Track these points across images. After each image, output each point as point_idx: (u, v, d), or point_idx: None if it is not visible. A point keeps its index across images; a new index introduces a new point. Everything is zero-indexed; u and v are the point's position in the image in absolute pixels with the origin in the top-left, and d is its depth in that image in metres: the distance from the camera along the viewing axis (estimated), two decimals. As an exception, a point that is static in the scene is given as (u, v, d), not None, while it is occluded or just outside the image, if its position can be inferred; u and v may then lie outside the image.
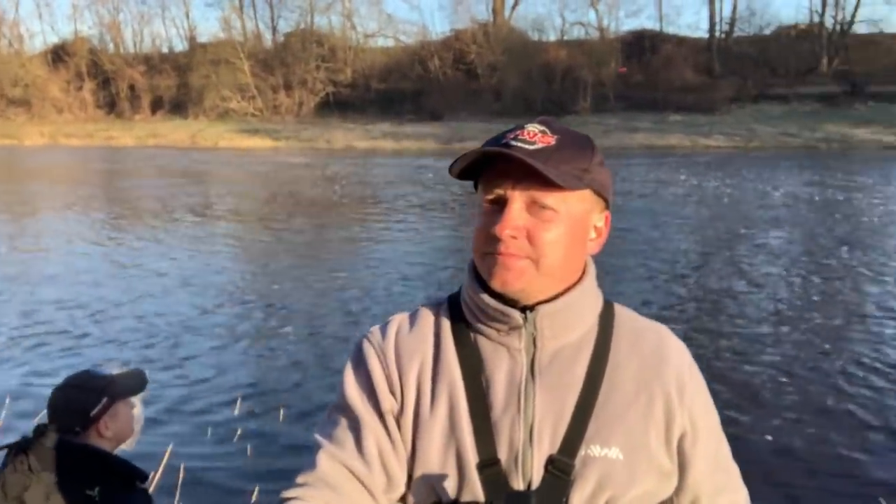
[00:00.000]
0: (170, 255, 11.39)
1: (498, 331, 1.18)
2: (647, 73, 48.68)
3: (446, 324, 1.23)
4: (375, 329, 1.26)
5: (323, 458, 1.15)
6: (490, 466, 1.12)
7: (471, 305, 1.21)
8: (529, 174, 1.09)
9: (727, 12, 54.12)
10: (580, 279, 1.20)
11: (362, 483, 1.13)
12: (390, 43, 59.69)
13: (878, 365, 6.13)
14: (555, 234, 1.12)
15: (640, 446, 1.14)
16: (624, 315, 1.26)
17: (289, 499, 1.12)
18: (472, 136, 41.79)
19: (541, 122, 1.16)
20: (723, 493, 1.23)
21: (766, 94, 44.21)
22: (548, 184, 1.08)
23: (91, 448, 2.05)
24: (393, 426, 1.17)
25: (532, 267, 1.12)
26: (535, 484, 1.12)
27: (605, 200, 1.20)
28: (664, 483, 1.17)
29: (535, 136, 1.12)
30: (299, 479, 1.14)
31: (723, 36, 53.33)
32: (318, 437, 1.19)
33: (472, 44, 52.52)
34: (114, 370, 2.20)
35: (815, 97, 42.30)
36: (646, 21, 66.39)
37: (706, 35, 53.87)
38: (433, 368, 1.19)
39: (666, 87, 45.26)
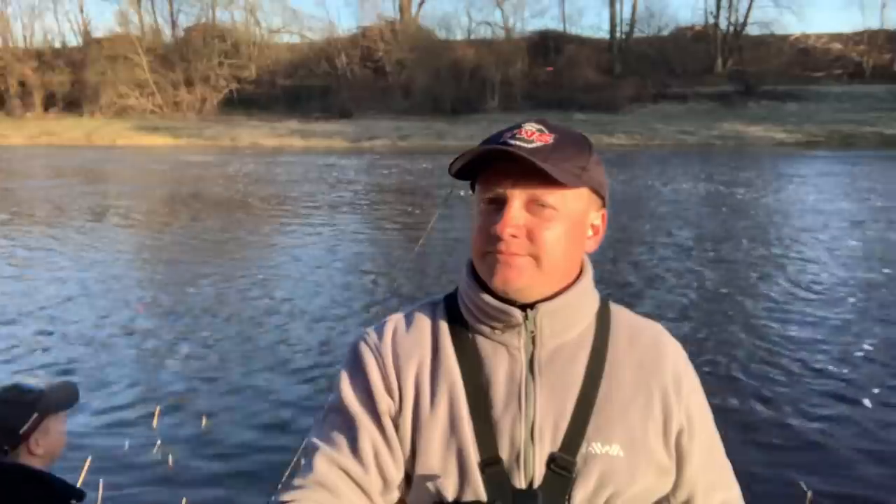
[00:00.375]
0: (66, 260, 10.79)
1: (497, 330, 1.18)
2: (552, 73, 49.65)
3: (444, 323, 1.23)
4: (371, 330, 1.26)
5: (319, 461, 1.14)
6: (492, 465, 1.12)
7: (469, 305, 1.20)
8: (529, 173, 1.09)
9: (627, 14, 55.80)
10: (578, 277, 1.20)
11: (359, 485, 1.13)
12: (296, 39, 58.94)
13: (767, 356, 6.34)
14: (555, 233, 1.12)
15: (640, 443, 1.14)
16: (620, 313, 1.27)
17: (285, 502, 1.11)
18: (383, 133, 41.70)
19: (538, 122, 1.16)
20: (717, 489, 1.24)
21: (665, 93, 45.80)
22: (547, 182, 1.09)
23: (23, 468, 1.89)
24: (390, 428, 1.16)
25: (533, 265, 1.12)
26: (537, 482, 1.12)
27: (602, 199, 1.21)
28: (663, 479, 1.18)
29: (532, 134, 1.12)
30: (296, 482, 1.13)
31: (623, 37, 54.95)
32: (314, 439, 1.18)
33: (380, 41, 52.38)
34: (42, 383, 2.03)
35: (712, 96, 44.11)
36: (550, 21, 68.23)
37: (608, 36, 55.43)
38: (432, 368, 1.19)
39: (570, 87, 46.29)
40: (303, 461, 1.17)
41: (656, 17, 55.38)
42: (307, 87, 51.58)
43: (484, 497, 1.11)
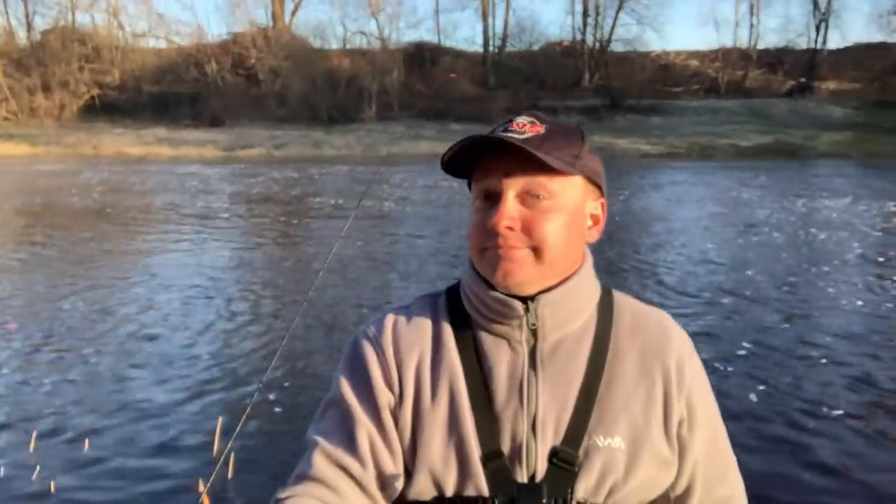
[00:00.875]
0: None
1: (499, 323, 1.17)
2: (428, 84, 50.02)
3: (445, 317, 1.23)
4: (371, 323, 1.25)
5: (317, 457, 1.13)
6: (493, 459, 1.12)
7: (472, 298, 1.20)
8: (523, 164, 1.10)
9: (499, 28, 57.03)
10: (579, 268, 1.20)
11: (357, 480, 1.12)
12: (162, 44, 56.61)
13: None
14: (553, 223, 1.12)
15: (642, 435, 1.14)
16: (624, 302, 1.26)
17: (283, 498, 1.10)
18: (257, 142, 40.65)
19: (529, 115, 1.18)
20: (720, 484, 1.23)
21: (537, 105, 46.89)
22: (542, 172, 1.11)
23: None
24: (388, 422, 1.15)
25: (532, 257, 1.13)
26: (540, 475, 1.11)
27: (599, 188, 1.22)
28: (665, 471, 1.17)
29: (524, 126, 1.14)
30: (294, 478, 1.13)
31: (496, 51, 56.12)
32: (312, 434, 1.17)
33: (253, 48, 51.09)
34: None
35: (581, 110, 45.60)
36: (425, 33, 68.85)
37: (482, 49, 56.43)
38: (433, 362, 1.18)
39: (447, 98, 46.76)
40: (303, 457, 1.16)
41: (528, 32, 56.90)
42: (176, 93, 49.56)
43: (486, 491, 1.11)
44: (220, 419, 4.86)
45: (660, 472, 1.16)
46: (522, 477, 1.12)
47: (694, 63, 54.81)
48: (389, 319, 1.24)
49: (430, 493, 1.14)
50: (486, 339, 1.18)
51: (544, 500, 1.09)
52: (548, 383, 1.15)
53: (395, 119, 46.17)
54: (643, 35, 64.60)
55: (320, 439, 1.16)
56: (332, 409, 1.20)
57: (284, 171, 28.85)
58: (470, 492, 1.12)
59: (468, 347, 1.19)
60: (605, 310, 1.22)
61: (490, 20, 56.17)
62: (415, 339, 1.21)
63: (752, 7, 54.54)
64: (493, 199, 1.14)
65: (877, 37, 54.71)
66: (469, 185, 1.23)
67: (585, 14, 54.31)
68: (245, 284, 9.50)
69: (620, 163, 34.17)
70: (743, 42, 55.24)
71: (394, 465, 1.15)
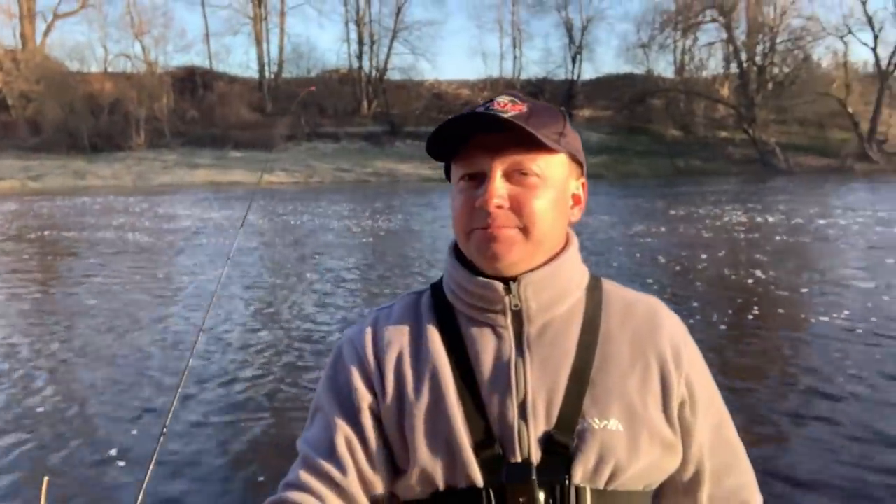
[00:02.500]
0: None
1: (482, 310, 1.14)
2: (202, 110, 48.09)
3: (428, 310, 1.20)
4: (353, 327, 1.24)
5: (300, 465, 1.13)
6: (485, 448, 1.08)
7: (453, 286, 1.18)
8: (509, 142, 1.08)
9: (275, 53, 56.28)
10: (564, 248, 1.18)
11: (339, 487, 1.10)
12: None
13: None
14: (542, 201, 1.10)
15: (639, 416, 1.10)
16: (613, 287, 1.23)
17: None
18: (9, 174, 36.71)
19: (508, 94, 1.14)
20: (729, 473, 1.19)
21: (318, 132, 46.87)
22: (529, 150, 1.08)
23: None
24: (369, 425, 1.13)
25: (521, 237, 1.10)
26: (535, 462, 1.08)
27: (581, 166, 1.19)
28: (669, 455, 1.13)
29: (506, 105, 1.10)
30: (280, 487, 1.12)
31: (272, 77, 55.30)
32: (298, 442, 1.17)
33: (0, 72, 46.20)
34: None
35: (361, 136, 46.17)
36: (195, 58, 65.88)
37: (257, 75, 55.30)
38: (415, 357, 1.15)
39: (223, 124, 45.20)
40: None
41: (304, 58, 56.79)
42: None
43: (479, 481, 1.07)
44: None
45: (663, 455, 1.12)
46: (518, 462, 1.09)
47: (465, 92, 57.47)
48: (370, 320, 1.22)
49: (422, 489, 1.11)
50: (471, 328, 1.15)
51: (533, 478, 1.05)
52: (536, 367, 1.11)
53: (167, 146, 43.81)
54: (417, 64, 66.79)
55: (303, 446, 1.15)
56: (316, 416, 1.18)
57: (40, 204, 26.17)
58: (462, 483, 1.08)
59: (453, 339, 1.15)
60: (594, 295, 1.20)
61: (264, 45, 55.36)
62: (396, 336, 1.18)
63: (514, 41, 58.36)
64: (479, 179, 1.10)
65: (624, 68, 60.60)
66: (446, 170, 1.19)
67: (361, 42, 55.22)
68: None
69: (404, 187, 34.89)
70: (508, 73, 58.87)
71: (376, 468, 1.12)
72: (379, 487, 1.13)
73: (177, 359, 6.81)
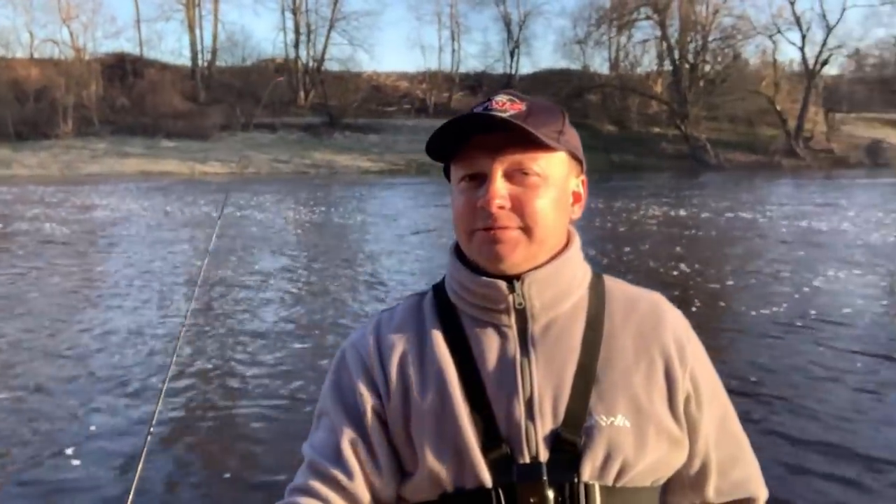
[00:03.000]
0: None
1: (486, 309, 1.14)
2: (132, 98, 46.76)
3: (431, 311, 1.19)
4: (356, 331, 1.24)
5: (306, 469, 1.14)
6: (493, 448, 1.08)
7: (456, 287, 1.17)
8: (509, 141, 1.08)
9: (208, 41, 55.09)
10: (566, 247, 1.18)
11: (345, 490, 1.10)
12: None
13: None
14: (544, 200, 1.10)
15: (645, 412, 1.10)
16: (615, 284, 1.24)
17: None
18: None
19: (506, 92, 1.14)
20: (735, 466, 1.20)
21: (254, 122, 46.06)
22: (529, 149, 1.08)
23: None
24: (375, 428, 1.13)
25: (524, 237, 1.10)
26: (543, 460, 1.07)
27: (580, 164, 1.19)
28: (676, 450, 1.13)
29: (504, 104, 1.10)
30: (287, 491, 1.13)
31: (206, 65, 54.11)
32: (304, 446, 1.17)
33: (-86, 53, 44.08)
34: None
35: (299, 127, 45.58)
36: (126, 44, 63.49)
37: (189, 63, 54.03)
38: (419, 358, 1.15)
39: (155, 113, 44.03)
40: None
41: (239, 46, 55.71)
42: None
43: (488, 482, 1.07)
44: None
45: (670, 450, 1.12)
46: (526, 461, 1.08)
47: (404, 84, 57.34)
48: (373, 323, 1.22)
49: (430, 491, 1.11)
50: (475, 329, 1.15)
51: (544, 478, 1.06)
52: (541, 365, 1.11)
53: (96, 135, 42.50)
54: (356, 55, 66.26)
55: (309, 450, 1.15)
56: (321, 420, 1.18)
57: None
58: (470, 484, 1.08)
59: (456, 338, 1.15)
60: (597, 292, 1.20)
61: (197, 32, 54.11)
62: (399, 338, 1.18)
63: (453, 34, 58.42)
64: (479, 179, 1.10)
65: (561, 63, 61.31)
66: (445, 170, 1.18)
67: (297, 32, 54.47)
68: None
69: (343, 179, 34.62)
70: (447, 65, 58.95)
71: (382, 472, 1.12)
72: (385, 491, 1.13)
73: (112, 354, 6.64)
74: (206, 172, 36.97)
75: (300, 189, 28.18)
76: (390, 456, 1.13)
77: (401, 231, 16.14)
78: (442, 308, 1.19)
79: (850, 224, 16.10)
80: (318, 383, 5.81)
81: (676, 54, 50.58)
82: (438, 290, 1.23)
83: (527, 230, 1.09)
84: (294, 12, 54.75)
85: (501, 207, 1.07)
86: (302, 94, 52.13)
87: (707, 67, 50.71)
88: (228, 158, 39.54)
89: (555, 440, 1.08)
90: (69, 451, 4.53)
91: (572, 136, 1.16)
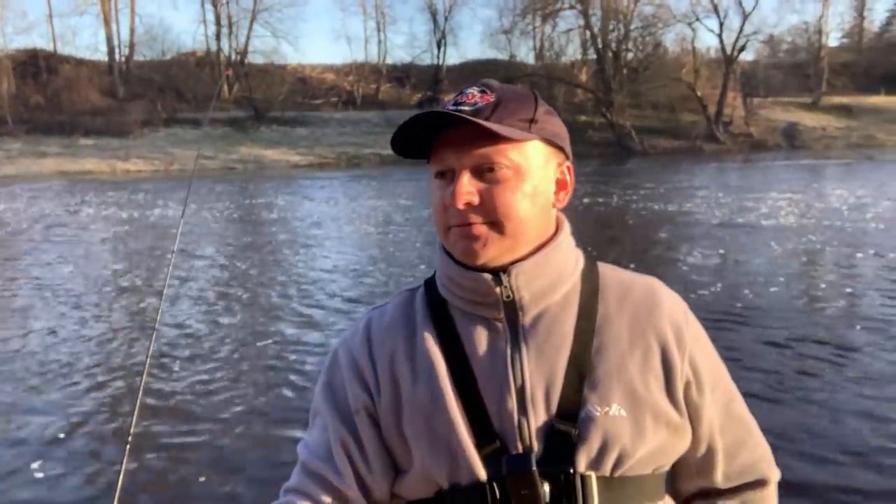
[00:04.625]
0: None
1: (475, 303, 1.13)
2: (47, 95, 45.01)
3: (422, 306, 1.19)
4: (349, 329, 1.24)
5: (299, 469, 1.16)
6: (486, 444, 1.07)
7: (445, 281, 1.17)
8: (474, 137, 1.06)
9: (125, 35, 53.37)
10: (553, 235, 1.16)
11: (338, 491, 1.12)
12: None
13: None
14: (513, 194, 1.08)
15: (641, 399, 1.09)
16: (609, 271, 1.21)
17: None
18: None
19: (479, 84, 1.12)
20: (741, 449, 1.19)
21: (176, 117, 44.91)
22: (495, 143, 1.06)
23: None
24: (367, 427, 1.14)
25: (495, 232, 1.08)
26: (537, 452, 1.07)
27: (562, 150, 1.16)
28: (677, 438, 1.12)
29: (474, 97, 1.09)
30: (282, 491, 1.15)
31: (124, 59, 52.48)
32: (300, 445, 1.19)
33: None
34: None
35: (224, 121, 44.59)
36: (38, 40, 60.96)
37: (106, 58, 52.28)
38: (410, 354, 1.14)
39: (71, 110, 42.50)
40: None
41: (158, 40, 54.21)
42: None
43: (483, 476, 1.06)
44: None
45: (671, 437, 1.11)
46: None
47: (330, 76, 56.76)
48: (364, 321, 1.22)
49: (425, 488, 1.11)
50: (465, 322, 1.14)
51: (533, 468, 1.04)
52: (533, 357, 1.10)
53: (9, 134, 40.77)
54: (280, 48, 65.24)
55: (303, 451, 1.17)
56: (315, 419, 1.19)
57: None
58: (465, 480, 1.07)
59: (447, 334, 1.14)
60: (590, 279, 1.18)
61: (114, 26, 52.40)
62: (389, 335, 1.17)
63: (378, 24, 58.11)
64: (448, 177, 1.10)
65: (488, 53, 61.65)
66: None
67: (219, 24, 53.31)
68: None
69: (271, 174, 34.12)
70: (373, 57, 58.56)
71: (373, 471, 1.13)
72: (378, 490, 1.13)
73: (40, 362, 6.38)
74: (128, 170, 35.94)
75: (226, 184, 27.63)
76: (382, 455, 1.14)
77: (328, 226, 15.96)
78: (433, 303, 1.18)
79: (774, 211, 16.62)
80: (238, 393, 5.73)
81: (600, 43, 51.39)
82: (430, 285, 1.22)
83: (497, 225, 1.08)
84: (214, 4, 53.56)
85: (469, 204, 1.07)
86: (226, 87, 51.04)
87: (630, 56, 51.67)
88: (151, 155, 38.50)
89: (548, 432, 1.07)
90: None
91: (548, 123, 1.13)
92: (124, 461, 1.72)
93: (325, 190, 25.44)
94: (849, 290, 8.30)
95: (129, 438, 1.80)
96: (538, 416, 1.08)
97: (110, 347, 6.86)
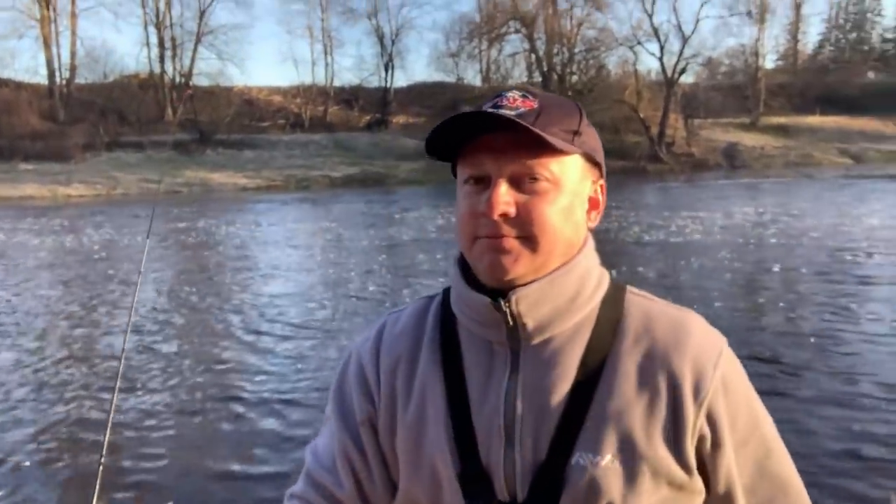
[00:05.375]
0: None
1: (480, 323, 1.05)
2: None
3: (434, 319, 1.12)
4: (365, 331, 1.19)
5: (304, 477, 1.15)
6: (470, 480, 1.02)
7: (454, 297, 1.09)
8: (517, 143, 0.98)
9: (66, 58, 52.26)
10: (570, 258, 1.05)
11: (333, 496, 1.10)
12: None
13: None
14: (553, 208, 0.99)
15: (640, 452, 0.98)
16: (638, 299, 1.08)
17: None
18: None
19: (520, 88, 1.04)
20: None
21: (119, 141, 44.04)
22: (538, 152, 0.98)
23: None
24: (369, 438, 1.10)
25: (528, 248, 1.00)
26: (521, 495, 1.00)
27: (598, 167, 1.09)
28: (683, 497, 1.01)
29: (515, 101, 1.00)
30: (286, 496, 1.15)
31: (65, 83, 51.36)
32: (308, 447, 1.18)
33: None
34: None
35: (169, 144, 43.86)
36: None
37: (46, 81, 51.09)
38: (410, 369, 1.10)
39: (11, 134, 41.33)
40: None
41: (100, 63, 53.19)
42: None
43: None
44: None
45: (675, 496, 1.00)
46: (503, 496, 1.01)
47: (277, 99, 56.39)
48: (377, 327, 1.17)
49: None
50: (470, 343, 1.07)
51: None
52: (528, 391, 1.01)
53: (-56, 160, 39.46)
54: (226, 70, 64.63)
55: (309, 456, 1.16)
56: (326, 423, 1.17)
57: None
58: None
59: (450, 353, 1.08)
60: (611, 308, 1.06)
61: (54, 49, 51.25)
62: (395, 346, 1.12)
63: (326, 47, 58.01)
64: (483, 183, 1.01)
65: (436, 76, 62.00)
66: (453, 169, 1.08)
67: (162, 46, 52.62)
68: None
69: (219, 197, 33.67)
70: (321, 79, 58.42)
71: (376, 484, 1.10)
72: (380, 501, 1.10)
73: None
74: (70, 196, 35.06)
75: (171, 208, 27.19)
76: (382, 468, 1.10)
77: (288, 248, 15.81)
78: (444, 317, 1.12)
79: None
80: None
81: (545, 66, 52.21)
82: (446, 295, 1.14)
83: (531, 240, 0.99)
84: (158, 27, 52.90)
85: (504, 215, 0.98)
86: (170, 110, 50.30)
87: (574, 78, 52.60)
88: (93, 180, 37.66)
89: (535, 475, 0.99)
90: None
91: (590, 137, 1.06)
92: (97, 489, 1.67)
93: (273, 213, 25.19)
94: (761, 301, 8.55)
95: (101, 459, 1.74)
96: (525, 455, 1.00)
97: (42, 378, 6.66)
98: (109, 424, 1.79)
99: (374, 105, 55.69)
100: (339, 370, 1.18)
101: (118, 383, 1.94)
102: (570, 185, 1.02)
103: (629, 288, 1.10)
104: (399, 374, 1.10)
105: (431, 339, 1.10)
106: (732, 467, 1.02)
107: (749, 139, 50.31)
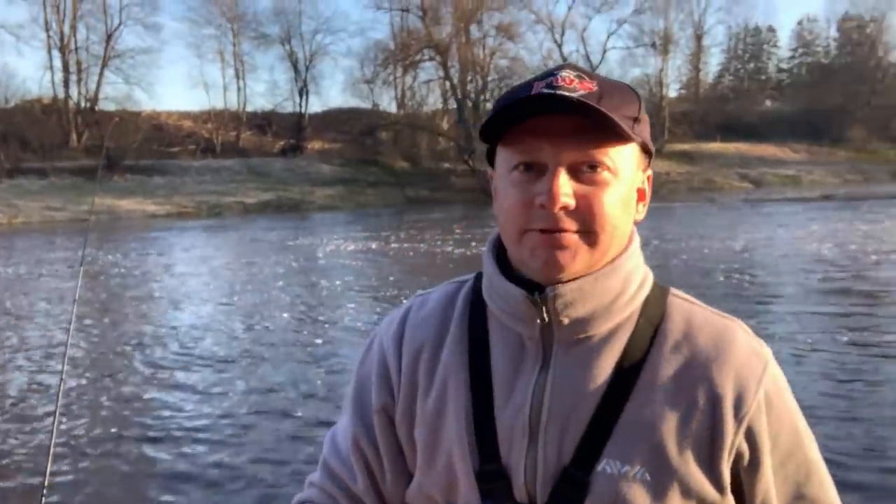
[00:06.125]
0: None
1: (512, 315, 0.98)
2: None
3: (464, 306, 1.06)
4: (387, 316, 1.13)
5: (320, 465, 1.13)
6: (488, 477, 0.96)
7: (486, 286, 1.03)
8: (577, 128, 0.90)
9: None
10: (615, 256, 0.98)
11: (350, 491, 1.09)
12: None
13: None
14: (613, 200, 0.93)
15: (671, 467, 0.92)
16: (681, 303, 1.02)
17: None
18: None
19: (571, 67, 0.95)
20: None
21: (20, 168, 42.22)
22: (601, 139, 0.91)
23: None
24: (384, 427, 1.06)
25: (586, 243, 0.93)
26: (541, 498, 0.94)
27: (649, 158, 1.02)
28: None
29: (572, 81, 0.91)
30: (306, 484, 1.15)
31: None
32: (329, 432, 1.15)
33: None
34: None
35: (73, 171, 42.29)
36: None
37: (-60, 104, 48.59)
38: (434, 356, 1.03)
39: None
40: None
41: (1, 87, 51.00)
42: None
43: None
44: None
45: None
46: (522, 498, 0.95)
47: (188, 124, 55.20)
48: (403, 310, 1.11)
49: (421, 502, 1.05)
50: (500, 334, 1.00)
51: None
52: (558, 392, 0.95)
53: None
54: (133, 94, 63.02)
55: (327, 444, 1.14)
56: (342, 413, 1.15)
57: None
58: None
59: (478, 342, 1.02)
60: (652, 311, 0.99)
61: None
62: (420, 331, 1.06)
63: (237, 72, 57.22)
64: (535, 171, 0.92)
65: (351, 102, 61.96)
66: (488, 152, 1.02)
67: (67, 70, 50.88)
68: None
69: (127, 225, 32.67)
70: (233, 104, 57.55)
71: (388, 473, 1.07)
72: (393, 492, 1.08)
73: None
74: (-34, 224, 33.37)
75: (74, 237, 26.21)
76: (397, 458, 1.06)
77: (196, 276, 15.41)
78: (474, 304, 1.05)
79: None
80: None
81: (459, 93, 52.99)
82: (478, 282, 1.07)
83: (591, 235, 0.92)
84: (62, 51, 51.11)
85: (565, 207, 0.90)
86: (74, 135, 48.58)
87: (488, 105, 53.54)
88: (-8, 208, 35.95)
89: (558, 479, 0.94)
90: None
91: (646, 125, 0.99)
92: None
93: (184, 240, 24.60)
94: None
95: (45, 484, 1.69)
96: (548, 458, 0.94)
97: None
98: (49, 467, 1.75)
99: (288, 130, 55.19)
100: (362, 355, 1.13)
101: (55, 428, 1.89)
102: (626, 176, 0.95)
103: (672, 290, 1.04)
104: (421, 362, 1.04)
105: (458, 326, 1.04)
106: (770, 489, 0.96)
107: (655, 165, 50.60)
